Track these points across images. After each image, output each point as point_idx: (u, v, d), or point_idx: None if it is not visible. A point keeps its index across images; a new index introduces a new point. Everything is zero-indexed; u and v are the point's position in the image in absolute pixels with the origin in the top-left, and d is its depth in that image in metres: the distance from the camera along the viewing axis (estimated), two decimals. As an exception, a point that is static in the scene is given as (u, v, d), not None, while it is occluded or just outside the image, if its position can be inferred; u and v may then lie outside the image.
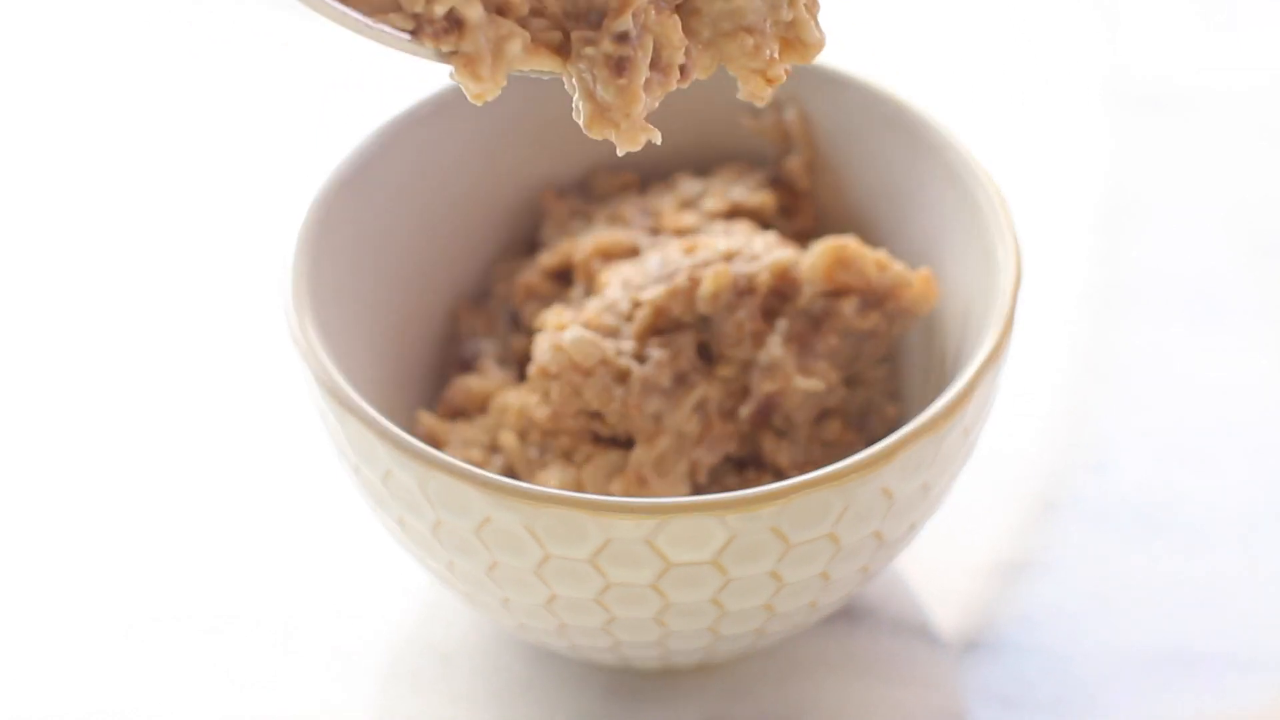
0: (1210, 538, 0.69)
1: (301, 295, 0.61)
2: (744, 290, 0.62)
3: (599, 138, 0.51)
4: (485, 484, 0.55)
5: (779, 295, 0.63)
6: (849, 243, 0.62)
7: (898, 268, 0.62)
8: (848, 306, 0.62)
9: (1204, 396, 0.73)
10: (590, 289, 0.65)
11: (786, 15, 0.53)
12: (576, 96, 0.52)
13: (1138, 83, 0.87)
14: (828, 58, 0.67)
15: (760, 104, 0.55)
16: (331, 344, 0.61)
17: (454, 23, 0.50)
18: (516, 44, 0.50)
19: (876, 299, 0.62)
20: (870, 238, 0.66)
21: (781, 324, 0.62)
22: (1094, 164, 0.84)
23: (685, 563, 0.56)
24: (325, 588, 0.68)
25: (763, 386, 0.62)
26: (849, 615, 0.66)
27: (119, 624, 0.67)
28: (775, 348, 0.62)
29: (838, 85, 0.67)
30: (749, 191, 0.67)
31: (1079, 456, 0.72)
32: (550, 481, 0.61)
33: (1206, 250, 0.79)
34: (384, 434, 0.57)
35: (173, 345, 0.76)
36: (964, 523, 0.68)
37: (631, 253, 0.65)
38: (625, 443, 0.62)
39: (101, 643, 0.66)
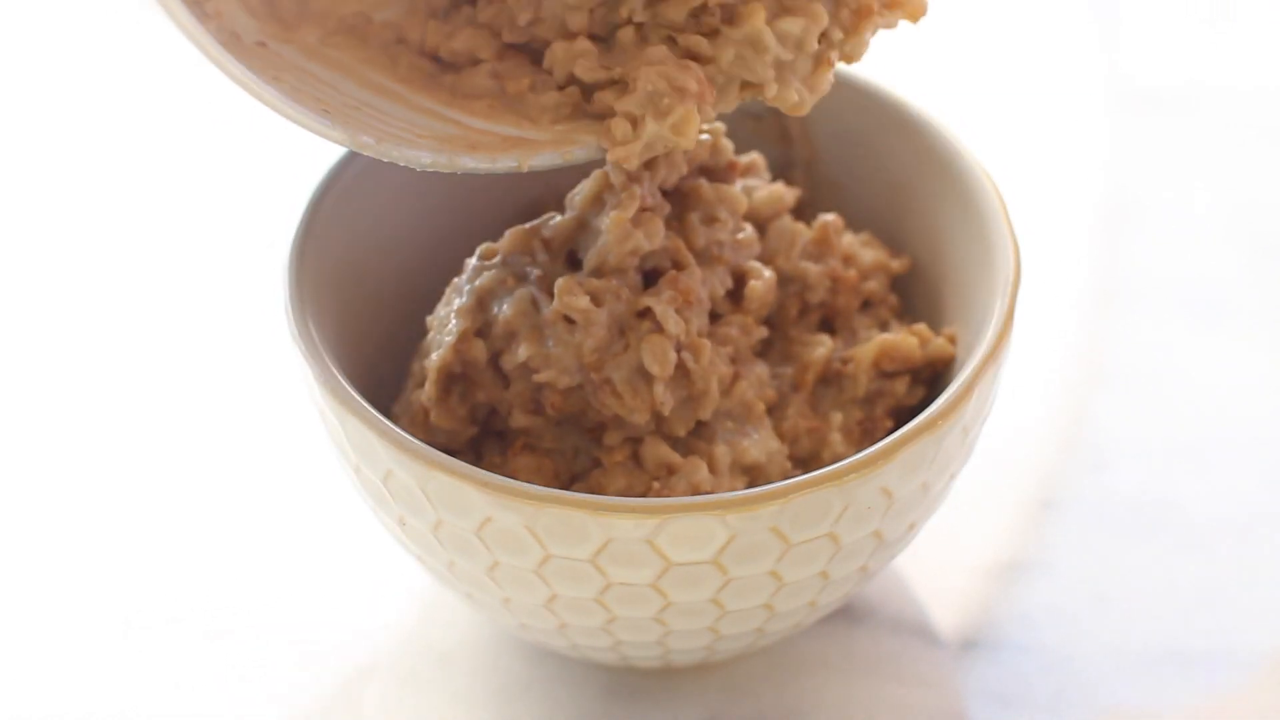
0: (1209, 537, 0.69)
1: (301, 295, 0.61)
2: (787, 390, 0.63)
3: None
4: (486, 484, 0.56)
5: (824, 382, 0.63)
6: (890, 337, 0.62)
7: (937, 340, 0.63)
8: (900, 386, 0.63)
9: (1203, 396, 0.73)
10: None
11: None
12: None
13: (1137, 83, 0.87)
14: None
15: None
16: (331, 344, 0.61)
17: None
18: None
19: (921, 374, 0.63)
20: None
21: (837, 418, 0.62)
22: (1093, 164, 0.84)
23: (685, 562, 0.56)
24: (325, 588, 0.68)
25: None
26: (849, 615, 0.66)
27: (118, 624, 0.67)
28: (839, 445, 0.62)
29: (837, 85, 0.66)
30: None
31: (1078, 456, 0.72)
32: None
33: (1206, 250, 0.79)
34: (384, 434, 0.57)
35: (173, 345, 0.76)
36: (963, 522, 0.68)
37: None
38: None
39: (100, 643, 0.66)
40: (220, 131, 0.86)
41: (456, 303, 0.62)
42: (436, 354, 0.61)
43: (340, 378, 0.59)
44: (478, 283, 0.62)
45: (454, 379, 0.61)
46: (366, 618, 0.67)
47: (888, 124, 0.66)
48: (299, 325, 0.60)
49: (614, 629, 0.59)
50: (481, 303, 0.62)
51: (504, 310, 0.61)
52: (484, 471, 0.56)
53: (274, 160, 0.84)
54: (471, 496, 0.56)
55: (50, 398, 0.74)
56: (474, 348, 0.61)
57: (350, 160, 0.65)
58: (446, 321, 0.61)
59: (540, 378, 0.60)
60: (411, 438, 0.57)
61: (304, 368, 0.59)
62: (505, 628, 0.64)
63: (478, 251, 0.63)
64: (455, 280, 0.63)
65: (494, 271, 0.62)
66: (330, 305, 0.62)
